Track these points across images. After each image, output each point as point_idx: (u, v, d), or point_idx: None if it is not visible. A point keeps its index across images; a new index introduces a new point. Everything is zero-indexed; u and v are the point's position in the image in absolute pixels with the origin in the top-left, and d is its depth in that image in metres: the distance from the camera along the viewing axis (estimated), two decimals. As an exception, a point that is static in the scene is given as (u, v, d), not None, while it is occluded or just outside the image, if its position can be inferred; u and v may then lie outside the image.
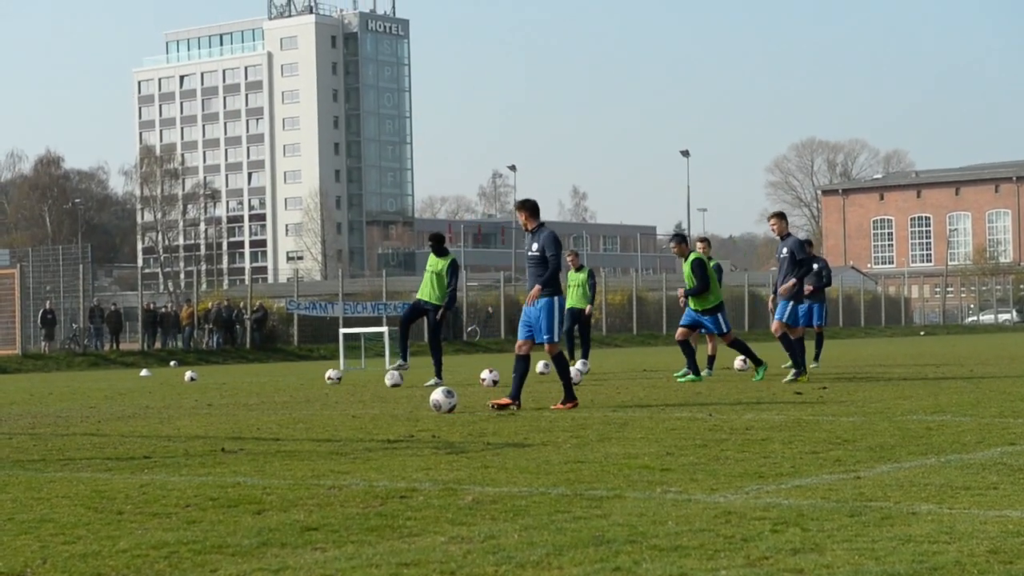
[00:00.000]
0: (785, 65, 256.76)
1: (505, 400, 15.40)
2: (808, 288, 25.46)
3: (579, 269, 26.43)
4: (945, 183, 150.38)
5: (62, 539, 6.88)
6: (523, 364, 15.61)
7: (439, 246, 22.10)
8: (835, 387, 18.30)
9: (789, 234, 20.53)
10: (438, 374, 21.88)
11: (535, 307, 15.49)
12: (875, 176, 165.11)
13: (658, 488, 8.18)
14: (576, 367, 22.98)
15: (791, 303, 20.16)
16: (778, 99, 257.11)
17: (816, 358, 25.37)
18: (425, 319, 22.33)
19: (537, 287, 15.45)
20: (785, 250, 20.27)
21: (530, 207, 15.79)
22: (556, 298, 15.47)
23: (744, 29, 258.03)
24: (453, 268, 21.93)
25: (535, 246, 15.53)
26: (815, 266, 25.64)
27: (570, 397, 15.42)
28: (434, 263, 21.96)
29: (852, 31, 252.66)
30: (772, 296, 20.87)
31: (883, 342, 56.39)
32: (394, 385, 21.25)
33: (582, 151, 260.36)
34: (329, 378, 23.83)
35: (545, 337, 15.37)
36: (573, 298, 26.07)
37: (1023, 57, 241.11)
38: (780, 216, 20.74)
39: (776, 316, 20.38)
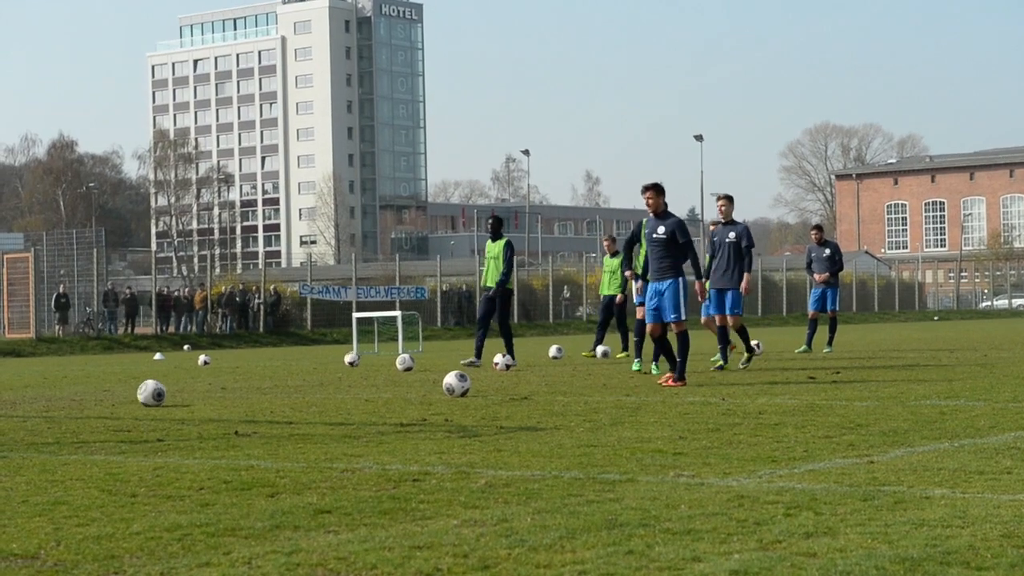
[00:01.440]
0: (799, 50, 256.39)
1: (674, 381, 16.03)
2: (821, 277, 25.34)
3: (615, 255, 25.69)
4: (959, 168, 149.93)
5: (76, 521, 6.90)
6: (663, 345, 16.59)
7: (497, 230, 22.17)
8: (848, 372, 18.28)
9: (735, 220, 19.97)
10: (510, 351, 21.93)
11: (662, 287, 16.26)
12: (889, 161, 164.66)
13: (671, 472, 8.18)
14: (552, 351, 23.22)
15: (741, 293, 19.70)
16: (792, 84, 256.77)
17: (829, 343, 25.29)
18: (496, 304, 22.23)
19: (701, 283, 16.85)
20: (733, 234, 19.61)
21: (661, 190, 16.46)
22: (681, 279, 16.27)
23: (759, 13, 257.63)
24: (508, 246, 22.03)
25: (661, 228, 16.27)
26: (826, 251, 25.52)
27: (681, 376, 16.07)
28: (491, 248, 22.07)
29: (867, 15, 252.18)
30: (703, 281, 19.88)
31: (897, 327, 56.31)
32: (406, 369, 21.28)
33: (596, 136, 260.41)
34: (352, 362, 24.19)
35: (672, 316, 16.19)
36: (608, 285, 25.54)
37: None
38: (730, 199, 19.81)
39: (729, 309, 19.55)
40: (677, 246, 16.27)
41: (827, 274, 25.22)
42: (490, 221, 22.59)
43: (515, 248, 22.95)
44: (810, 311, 25.62)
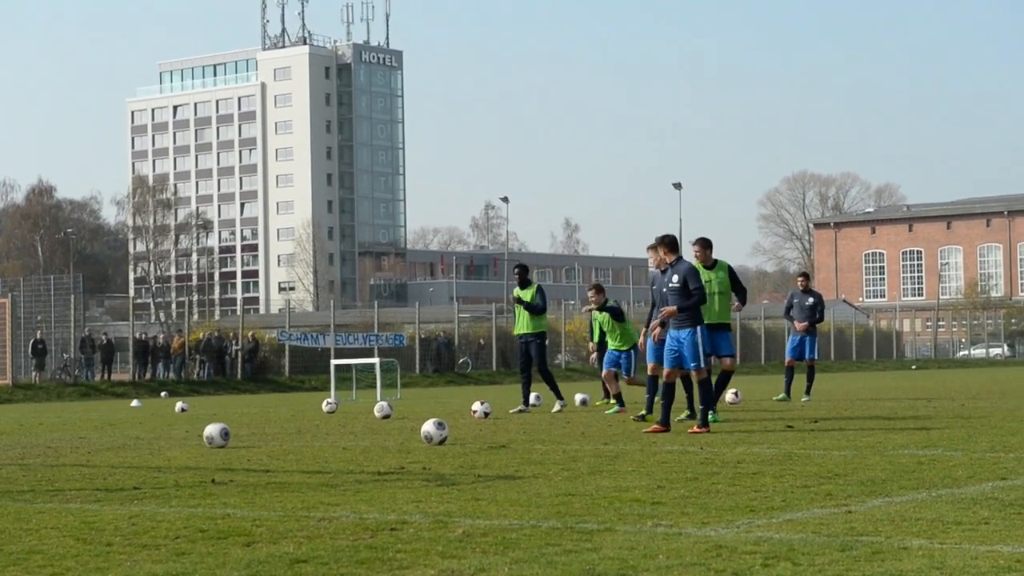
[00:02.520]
0: (777, 98, 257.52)
1: (656, 427, 16.29)
2: (802, 325, 25.31)
3: (602, 309, 25.92)
4: (936, 217, 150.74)
5: (50, 571, 6.85)
6: (670, 391, 16.60)
7: (525, 277, 22.29)
8: (826, 421, 18.28)
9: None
10: (559, 397, 22.19)
11: (681, 335, 16.29)
12: (867, 210, 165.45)
13: (649, 521, 8.17)
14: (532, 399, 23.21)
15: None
16: (770, 132, 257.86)
17: (807, 392, 25.26)
18: (532, 351, 22.34)
19: (673, 308, 16.38)
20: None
21: (669, 242, 16.65)
22: (700, 327, 16.37)
23: (736, 62, 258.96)
24: (540, 291, 22.21)
25: (675, 278, 16.39)
26: (809, 300, 25.48)
27: (704, 423, 16.19)
28: (521, 295, 22.22)
29: (844, 64, 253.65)
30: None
31: (874, 375, 56.38)
32: (384, 417, 21.22)
33: (574, 183, 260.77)
34: (329, 403, 24.24)
35: (692, 364, 16.32)
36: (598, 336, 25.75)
37: (1014, 92, 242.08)
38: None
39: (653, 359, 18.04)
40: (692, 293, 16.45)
41: (807, 323, 25.20)
42: (516, 270, 22.70)
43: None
44: (787, 359, 25.56)
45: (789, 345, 25.59)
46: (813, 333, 25.37)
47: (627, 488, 10.04)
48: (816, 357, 25.65)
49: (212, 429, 15.55)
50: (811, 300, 25.34)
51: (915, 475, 10.64)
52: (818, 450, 13.25)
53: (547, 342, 22.94)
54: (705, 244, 18.88)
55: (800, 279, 26.14)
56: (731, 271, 19.12)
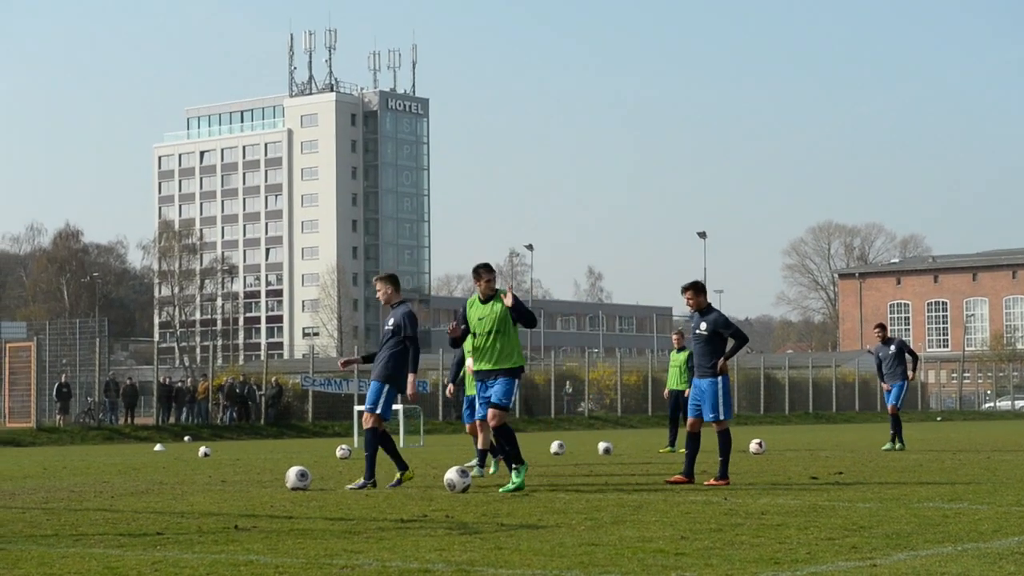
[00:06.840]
0: (803, 148, 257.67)
1: (679, 477, 16.38)
2: (912, 377, 25.31)
3: (681, 350, 25.69)
4: (962, 268, 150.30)
5: (73, 616, 6.86)
6: (694, 442, 16.43)
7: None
8: (851, 472, 18.20)
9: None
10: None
11: (703, 384, 16.22)
12: (892, 260, 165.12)
13: (672, 573, 8.14)
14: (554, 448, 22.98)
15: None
16: (795, 182, 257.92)
17: (892, 440, 25.61)
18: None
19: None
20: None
21: (700, 288, 16.54)
22: (720, 378, 16.25)
23: (762, 112, 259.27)
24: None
25: (703, 325, 16.34)
26: (891, 349, 25.38)
27: (723, 475, 16.07)
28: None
29: (870, 117, 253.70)
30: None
31: (899, 427, 56.08)
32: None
33: (599, 231, 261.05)
34: (343, 448, 24.29)
35: (710, 416, 16.20)
36: (674, 380, 25.56)
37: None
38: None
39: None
40: (720, 342, 16.29)
41: (912, 373, 25.32)
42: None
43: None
44: (890, 406, 25.63)
45: (888, 392, 25.72)
46: (902, 379, 25.40)
47: (650, 538, 10.01)
48: (899, 405, 25.65)
49: (290, 472, 15.82)
50: (893, 348, 25.36)
51: (940, 528, 10.58)
52: (843, 502, 13.19)
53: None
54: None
55: (877, 331, 25.99)
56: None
